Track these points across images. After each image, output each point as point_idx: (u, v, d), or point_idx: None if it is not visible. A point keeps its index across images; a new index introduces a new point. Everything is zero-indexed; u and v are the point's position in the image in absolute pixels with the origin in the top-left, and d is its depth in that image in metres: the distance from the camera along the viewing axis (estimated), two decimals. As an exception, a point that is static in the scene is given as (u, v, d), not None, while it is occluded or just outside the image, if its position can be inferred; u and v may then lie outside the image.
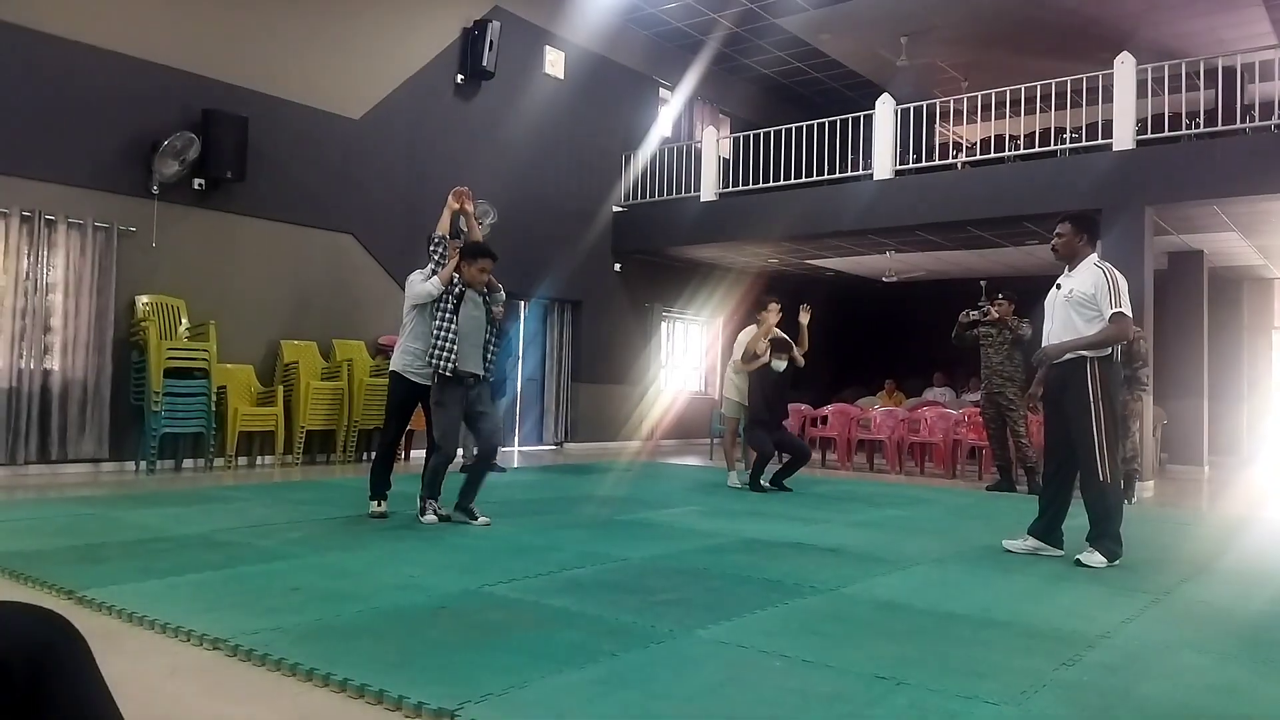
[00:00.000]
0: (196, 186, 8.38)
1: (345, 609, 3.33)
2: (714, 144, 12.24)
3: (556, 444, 12.41)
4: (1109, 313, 4.58)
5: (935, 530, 5.84)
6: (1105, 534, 4.64)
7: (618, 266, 13.03)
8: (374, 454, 6.11)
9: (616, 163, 12.91)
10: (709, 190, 12.05)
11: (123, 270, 7.90)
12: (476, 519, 5.33)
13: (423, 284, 5.44)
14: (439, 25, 10.65)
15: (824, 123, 11.30)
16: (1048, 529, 4.91)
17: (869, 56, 13.61)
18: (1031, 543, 4.93)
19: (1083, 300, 4.66)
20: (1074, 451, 4.73)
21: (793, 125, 11.53)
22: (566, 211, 12.22)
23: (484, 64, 10.72)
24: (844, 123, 11.24)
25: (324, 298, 9.42)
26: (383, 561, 4.25)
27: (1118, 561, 4.60)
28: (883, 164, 10.62)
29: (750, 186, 11.86)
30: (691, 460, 11.16)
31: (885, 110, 10.71)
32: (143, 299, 8.06)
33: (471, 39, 10.78)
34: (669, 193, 12.56)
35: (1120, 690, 2.68)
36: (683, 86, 13.87)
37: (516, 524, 5.44)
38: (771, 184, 11.56)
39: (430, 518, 5.36)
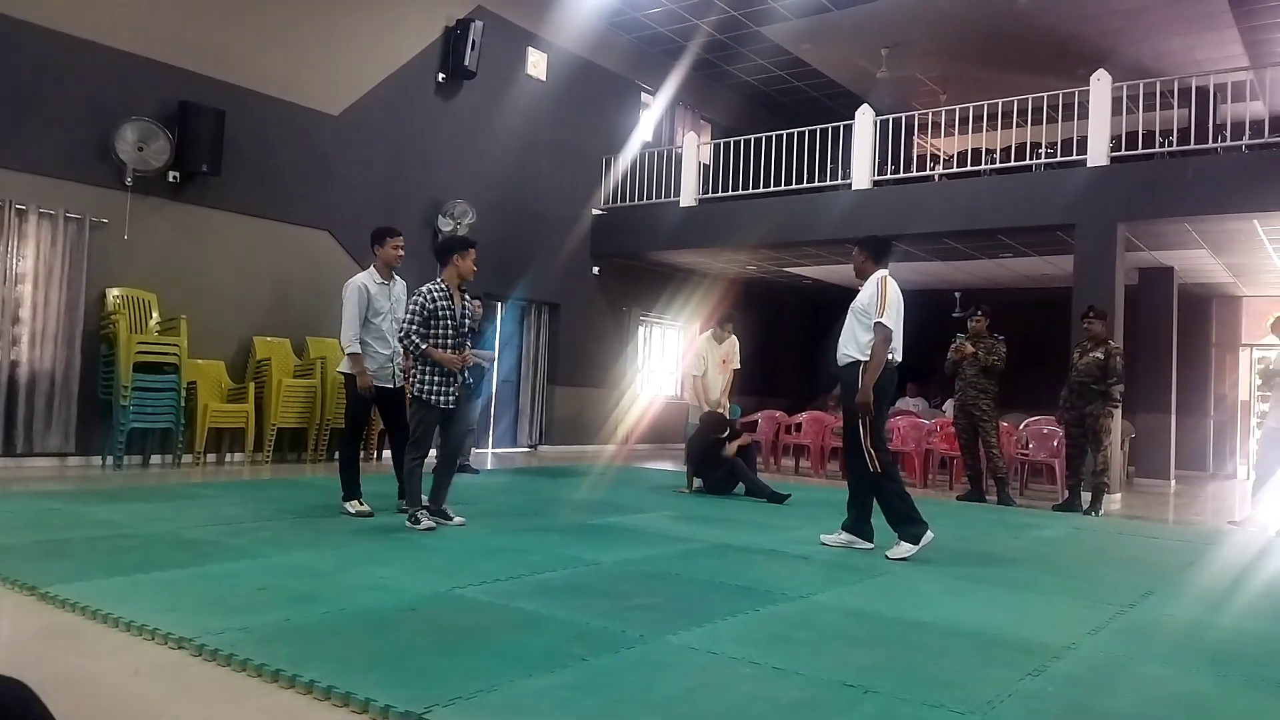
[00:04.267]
0: (171, 179, 8.30)
1: (313, 610, 3.30)
2: (695, 150, 12.26)
3: (531, 446, 12.37)
4: (872, 320, 5.03)
5: (906, 539, 5.86)
6: (901, 521, 4.97)
7: (596, 270, 13.02)
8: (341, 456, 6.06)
9: (597, 166, 12.90)
10: (689, 196, 12.08)
11: (94, 262, 7.80)
12: (452, 519, 5.30)
13: (348, 329, 5.49)
14: (421, 23, 10.60)
15: (804, 131, 11.36)
16: (858, 523, 5.23)
17: (850, 67, 13.71)
18: (845, 537, 5.24)
19: (861, 309, 5.18)
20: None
21: (773, 133, 11.58)
22: (546, 213, 12.19)
23: (466, 63, 10.69)
24: (824, 132, 11.31)
25: (298, 294, 9.34)
26: (352, 562, 4.22)
27: (924, 541, 4.91)
28: (861, 174, 10.69)
29: (730, 193, 11.90)
30: (666, 465, 11.16)
31: (865, 121, 10.79)
32: (113, 292, 7.96)
33: (454, 38, 10.75)
34: (649, 197, 12.57)
35: (1084, 702, 2.71)
36: (664, 91, 13.90)
37: (488, 526, 5.41)
38: (751, 191, 11.61)
39: (428, 524, 5.17)
